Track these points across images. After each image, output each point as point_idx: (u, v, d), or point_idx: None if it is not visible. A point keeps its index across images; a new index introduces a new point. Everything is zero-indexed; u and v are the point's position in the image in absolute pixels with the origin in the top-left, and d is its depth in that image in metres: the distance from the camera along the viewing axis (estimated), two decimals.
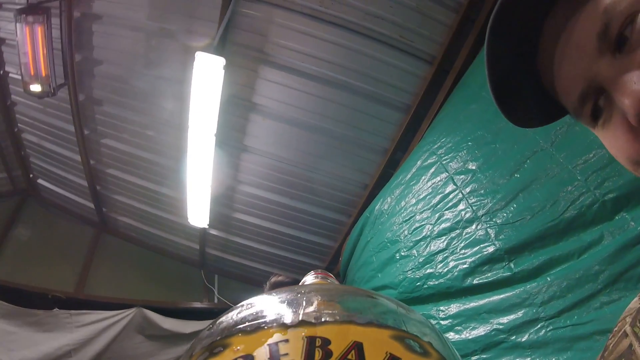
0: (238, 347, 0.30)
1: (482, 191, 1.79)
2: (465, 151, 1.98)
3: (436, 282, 1.88)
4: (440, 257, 1.91)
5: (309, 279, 0.67)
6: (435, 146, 2.23)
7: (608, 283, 1.20)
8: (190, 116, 2.81)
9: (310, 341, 0.29)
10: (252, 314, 0.35)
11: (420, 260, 2.02)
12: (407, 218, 2.26)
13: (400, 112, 2.83)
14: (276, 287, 1.54)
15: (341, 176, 3.21)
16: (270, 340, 0.30)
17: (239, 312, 0.36)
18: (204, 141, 2.98)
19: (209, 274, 4.61)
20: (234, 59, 2.65)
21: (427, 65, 2.68)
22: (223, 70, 2.55)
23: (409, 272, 2.07)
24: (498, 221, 1.66)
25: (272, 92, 2.82)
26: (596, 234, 1.32)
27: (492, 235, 1.67)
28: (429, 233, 2.05)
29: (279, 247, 3.98)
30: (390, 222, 2.44)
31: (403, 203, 2.34)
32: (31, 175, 4.29)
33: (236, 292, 4.48)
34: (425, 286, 1.94)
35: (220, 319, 0.37)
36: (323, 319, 0.32)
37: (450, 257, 1.85)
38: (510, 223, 1.61)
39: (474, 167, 1.89)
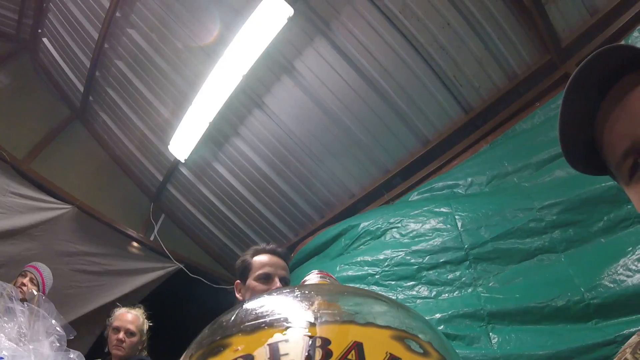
0: (238, 347, 0.30)
1: (489, 262, 1.86)
2: (483, 218, 2.00)
3: None
4: (422, 304, 1.91)
5: (310, 278, 0.67)
6: (452, 200, 2.24)
7: None
8: (230, 46, 2.75)
9: (311, 341, 0.29)
10: (252, 313, 0.34)
11: (400, 296, 2.00)
12: (397, 250, 2.19)
13: (418, 141, 2.86)
14: (284, 257, 1.49)
15: (335, 175, 3.18)
16: (271, 340, 0.30)
17: (239, 312, 0.36)
18: (228, 77, 2.91)
19: (157, 211, 4.43)
20: (299, 18, 2.62)
21: (463, 112, 2.75)
22: (286, 21, 2.53)
23: None
24: (493, 292, 1.73)
25: (315, 66, 2.79)
26: (573, 328, 1.44)
27: (482, 300, 1.71)
28: (416, 274, 2.02)
29: (239, 215, 3.87)
30: (375, 245, 2.34)
31: (396, 235, 2.28)
32: (39, 31, 4.05)
33: (174, 241, 4.31)
34: None
35: (220, 319, 0.37)
36: (323, 319, 0.32)
37: (432, 304, 1.85)
38: (504, 297, 1.66)
39: (486, 236, 1.92)
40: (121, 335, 2.28)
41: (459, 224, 2.04)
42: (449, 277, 1.91)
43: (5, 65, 4.01)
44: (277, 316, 0.33)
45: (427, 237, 2.11)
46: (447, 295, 1.85)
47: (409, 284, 2.01)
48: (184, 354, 0.36)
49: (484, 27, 2.51)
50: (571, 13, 2.39)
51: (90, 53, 3.68)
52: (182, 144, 3.46)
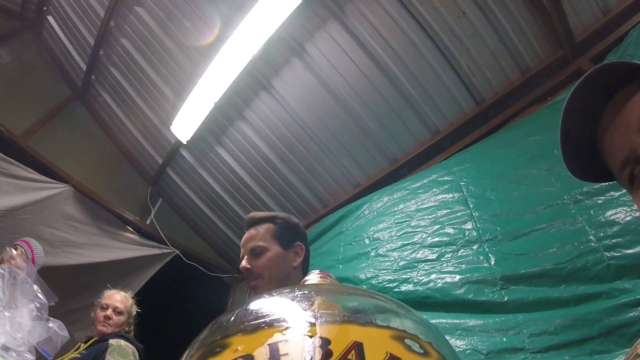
0: (238, 347, 0.30)
1: (495, 219, 1.79)
2: (488, 181, 1.98)
3: (412, 288, 1.81)
4: (425, 266, 1.86)
5: (310, 278, 0.67)
6: (457, 168, 2.21)
7: (602, 333, 1.21)
8: (239, 27, 2.69)
9: (311, 341, 0.29)
10: (252, 313, 0.35)
11: (401, 263, 1.96)
12: (400, 220, 2.20)
13: (428, 131, 2.82)
14: (253, 223, 1.36)
15: (341, 164, 3.13)
16: (270, 340, 0.30)
17: (238, 312, 0.36)
18: (236, 58, 2.85)
19: (155, 195, 4.35)
20: (313, 2, 2.58)
21: (474, 104, 2.71)
22: (299, 2, 2.48)
23: (383, 271, 1.99)
24: (502, 249, 1.66)
25: (327, 50, 2.74)
26: (596, 290, 1.34)
27: (492, 260, 1.65)
28: (420, 240, 1.99)
29: (238, 201, 3.81)
30: (378, 219, 2.36)
31: (401, 206, 2.29)
32: (45, 8, 3.96)
33: (171, 227, 4.23)
34: (397, 289, 1.85)
35: (220, 319, 0.37)
36: (323, 319, 0.32)
37: (438, 269, 1.81)
38: (515, 255, 1.60)
39: (492, 197, 1.89)
40: (109, 312, 2.26)
41: (464, 190, 2.00)
42: (454, 238, 1.85)
43: (8, 43, 3.91)
44: (277, 316, 0.33)
45: (432, 205, 2.07)
46: (450, 256, 1.79)
47: (410, 250, 1.96)
48: (184, 354, 0.35)
49: (498, 18, 2.47)
50: (584, 10, 2.38)
51: (96, 31, 3.61)
52: (184, 125, 3.40)
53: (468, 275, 1.67)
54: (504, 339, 1.40)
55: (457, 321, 1.57)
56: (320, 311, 0.33)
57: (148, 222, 4.13)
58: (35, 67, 4.08)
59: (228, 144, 3.48)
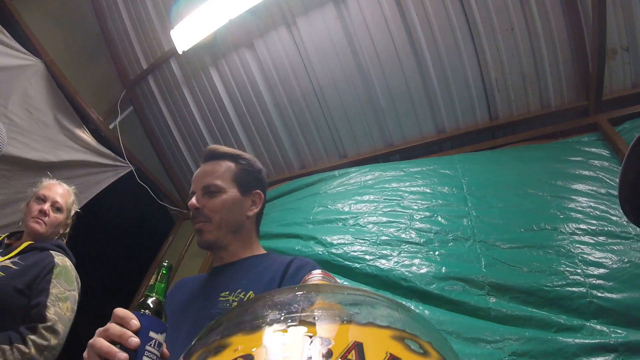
0: (238, 347, 0.30)
1: (492, 224, 1.76)
2: (491, 187, 1.93)
3: (390, 266, 1.69)
4: (409, 248, 1.77)
5: (311, 278, 0.67)
6: (460, 166, 2.14)
7: None
8: None
9: (311, 341, 0.29)
10: (252, 313, 0.34)
11: (382, 238, 1.85)
12: (390, 197, 2.09)
13: (435, 127, 2.73)
14: (212, 156, 1.22)
15: (336, 130, 2.97)
16: (271, 340, 0.30)
17: (239, 312, 0.36)
18: None
19: (127, 102, 3.98)
20: None
21: (488, 117, 2.66)
22: None
23: (360, 240, 1.86)
24: (494, 255, 1.63)
25: (368, 8, 2.57)
26: (576, 323, 1.36)
27: (483, 263, 1.60)
28: (408, 222, 1.88)
29: (213, 134, 3.54)
30: (364, 191, 2.25)
31: (394, 184, 2.18)
32: None
33: (132, 139, 3.87)
34: (372, 263, 1.73)
35: (220, 318, 0.37)
36: (323, 319, 0.32)
37: (423, 254, 1.71)
38: (507, 264, 1.57)
39: (493, 203, 1.85)
40: (46, 206, 1.85)
41: (465, 188, 1.93)
42: (445, 228, 1.78)
43: None
44: (277, 316, 0.33)
45: (429, 192, 1.97)
46: (438, 244, 1.70)
47: (394, 229, 1.85)
48: (183, 354, 0.35)
49: (541, 49, 2.47)
50: (618, 76, 2.41)
51: None
52: (186, 34, 3.10)
53: (456, 270, 1.61)
54: (485, 351, 1.35)
55: (435, 316, 1.50)
56: (321, 311, 0.33)
57: (111, 127, 3.76)
58: None
59: (225, 69, 3.22)
